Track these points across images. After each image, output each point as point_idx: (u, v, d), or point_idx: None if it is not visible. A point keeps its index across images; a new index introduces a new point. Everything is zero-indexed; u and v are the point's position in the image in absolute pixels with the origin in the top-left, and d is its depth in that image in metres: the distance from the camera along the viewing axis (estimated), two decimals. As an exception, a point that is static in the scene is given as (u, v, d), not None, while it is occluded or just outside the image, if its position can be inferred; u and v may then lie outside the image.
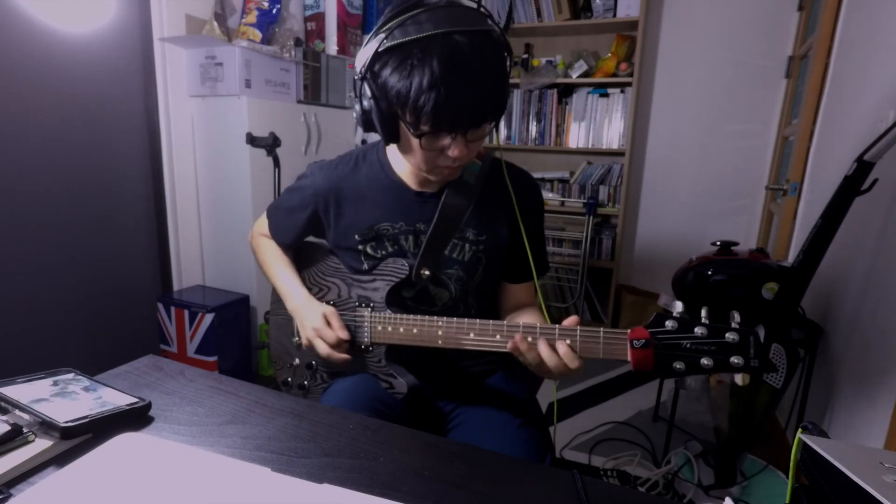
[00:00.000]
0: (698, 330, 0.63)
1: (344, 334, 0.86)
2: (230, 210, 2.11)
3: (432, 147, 0.75)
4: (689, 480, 1.62)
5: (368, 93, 0.74)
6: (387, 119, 0.75)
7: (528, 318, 0.92)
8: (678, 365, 0.63)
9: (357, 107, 0.79)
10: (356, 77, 0.76)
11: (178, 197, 2.09)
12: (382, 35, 0.69)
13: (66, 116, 1.72)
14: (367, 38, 0.73)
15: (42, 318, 1.71)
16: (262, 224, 1.05)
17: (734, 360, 0.61)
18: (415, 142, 0.74)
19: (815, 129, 1.91)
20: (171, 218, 2.08)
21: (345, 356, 0.87)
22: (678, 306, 0.66)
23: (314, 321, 0.87)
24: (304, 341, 0.91)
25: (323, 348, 0.86)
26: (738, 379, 0.63)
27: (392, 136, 0.77)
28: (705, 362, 0.62)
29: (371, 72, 0.72)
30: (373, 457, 0.61)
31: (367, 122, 0.78)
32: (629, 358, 0.65)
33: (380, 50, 0.70)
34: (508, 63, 0.75)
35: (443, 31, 0.67)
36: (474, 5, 0.73)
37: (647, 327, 0.65)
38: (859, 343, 1.35)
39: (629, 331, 0.66)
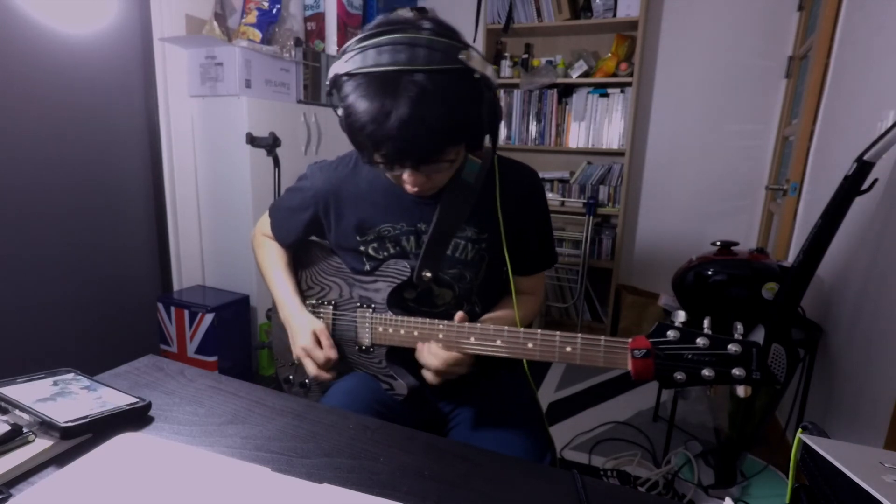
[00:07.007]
0: (700, 341, 0.63)
1: (333, 354, 0.87)
2: (230, 210, 2.11)
3: (388, 171, 0.75)
4: (689, 480, 1.62)
5: (338, 102, 0.73)
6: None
7: (502, 313, 0.92)
8: (679, 375, 0.63)
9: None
10: (327, 86, 0.75)
11: (178, 197, 2.09)
12: (349, 55, 0.68)
13: (67, 116, 1.72)
14: (345, 45, 0.71)
15: (42, 318, 1.71)
16: (265, 223, 1.05)
17: (736, 371, 0.61)
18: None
19: (815, 129, 1.91)
20: (171, 218, 2.08)
21: (331, 375, 0.88)
22: (681, 316, 0.66)
23: (303, 339, 0.88)
24: (294, 357, 0.92)
25: (312, 369, 0.87)
26: (740, 391, 0.63)
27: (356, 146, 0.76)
28: (706, 373, 0.62)
29: (337, 87, 0.72)
30: (373, 457, 0.61)
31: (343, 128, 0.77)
32: (629, 367, 0.65)
33: (341, 73, 0.69)
34: (484, 92, 0.71)
35: (395, 69, 0.65)
36: (452, 32, 0.70)
37: (648, 337, 0.65)
38: (859, 343, 1.35)
39: (630, 340, 0.66)
